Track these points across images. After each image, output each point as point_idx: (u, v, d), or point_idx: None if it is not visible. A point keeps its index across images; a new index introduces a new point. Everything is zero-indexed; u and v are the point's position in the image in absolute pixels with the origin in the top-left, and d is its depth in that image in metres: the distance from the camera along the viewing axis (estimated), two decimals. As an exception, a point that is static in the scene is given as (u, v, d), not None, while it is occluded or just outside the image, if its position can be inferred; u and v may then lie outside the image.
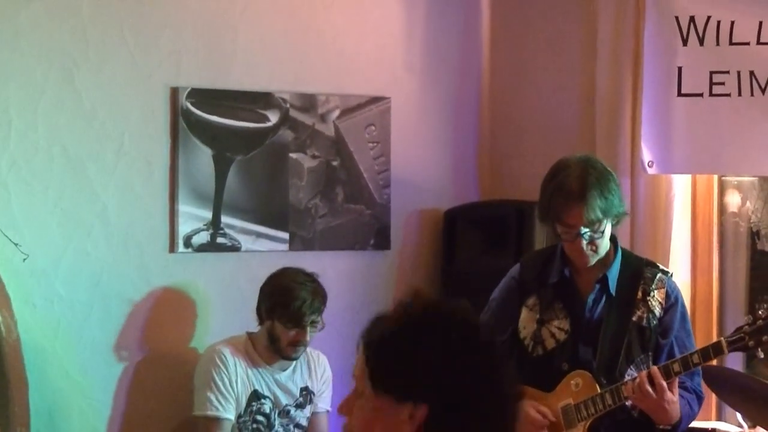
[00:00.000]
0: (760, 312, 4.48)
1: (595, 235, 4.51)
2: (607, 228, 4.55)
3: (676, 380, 4.37)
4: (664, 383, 4.32)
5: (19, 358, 5.08)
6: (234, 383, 5.36)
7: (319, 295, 5.36)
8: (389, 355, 2.45)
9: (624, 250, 4.71)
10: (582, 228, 4.47)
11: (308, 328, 5.32)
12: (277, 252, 5.72)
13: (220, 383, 5.33)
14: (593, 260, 4.55)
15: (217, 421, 5.32)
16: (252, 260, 5.65)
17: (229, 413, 5.34)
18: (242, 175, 5.73)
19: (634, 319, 4.56)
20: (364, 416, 2.47)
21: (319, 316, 5.35)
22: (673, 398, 4.36)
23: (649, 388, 4.31)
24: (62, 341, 5.30)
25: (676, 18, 5.78)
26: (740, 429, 5.67)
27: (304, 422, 5.50)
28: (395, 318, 2.50)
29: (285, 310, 5.30)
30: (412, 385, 2.41)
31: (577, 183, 4.49)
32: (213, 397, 5.32)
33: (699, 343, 4.83)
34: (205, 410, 5.33)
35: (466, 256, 6.07)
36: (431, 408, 2.39)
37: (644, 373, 4.36)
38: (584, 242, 4.51)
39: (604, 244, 4.56)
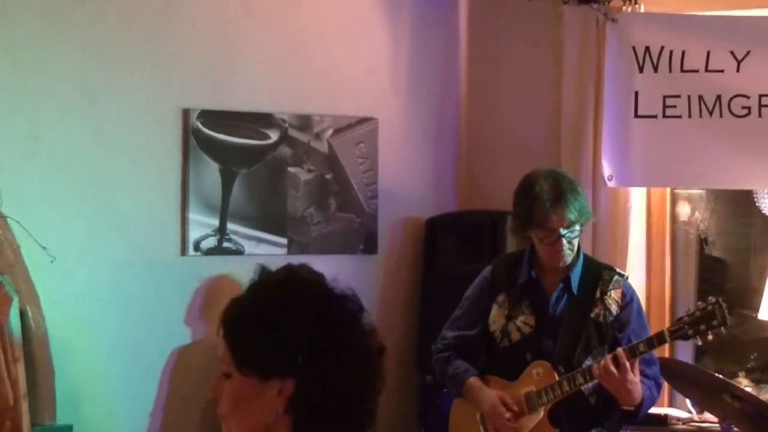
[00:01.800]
0: (698, 305, 4.53)
1: (572, 235, 4.53)
2: (579, 229, 4.57)
3: (636, 363, 4.37)
4: (627, 363, 4.31)
5: (46, 349, 5.08)
6: None
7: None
8: (244, 334, 2.27)
9: (585, 255, 4.71)
10: (562, 230, 4.50)
11: None
12: (277, 255, 5.67)
13: None
14: (569, 259, 4.57)
15: None
16: (254, 263, 5.58)
17: None
18: (246, 187, 5.71)
19: (592, 315, 4.57)
20: (232, 398, 2.29)
21: None
22: (635, 379, 4.35)
23: (614, 369, 4.31)
24: (85, 335, 5.27)
25: (633, 48, 5.84)
26: (689, 414, 5.68)
27: None
28: (245, 297, 2.33)
29: None
30: (273, 361, 2.23)
31: (553, 191, 4.50)
32: None
33: (653, 336, 4.86)
34: None
35: (445, 260, 6.07)
36: (297, 379, 2.22)
37: (610, 355, 4.35)
38: (564, 243, 4.53)
39: (577, 244, 4.59)
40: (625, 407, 4.44)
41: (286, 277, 2.34)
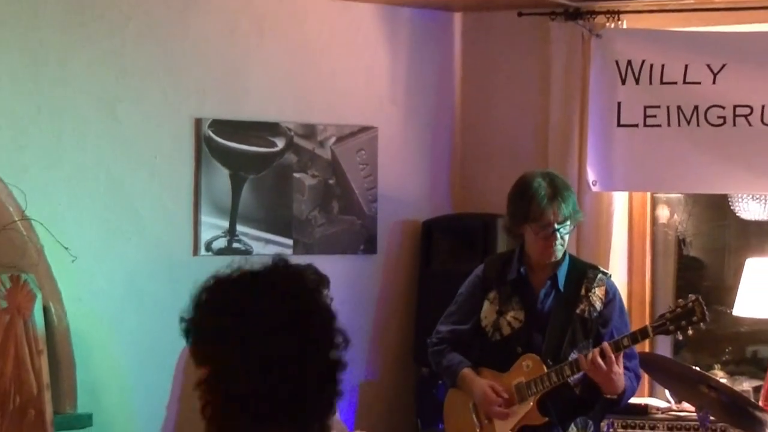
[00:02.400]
0: (679, 302, 4.52)
1: (565, 231, 4.53)
2: (570, 225, 4.58)
3: (621, 356, 4.36)
4: (613, 356, 4.32)
5: (67, 343, 5.10)
6: None
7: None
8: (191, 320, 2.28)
9: (571, 255, 4.71)
10: (556, 225, 4.49)
11: None
12: (284, 255, 5.76)
13: None
14: (560, 254, 4.56)
15: None
16: (262, 262, 5.66)
17: None
18: (254, 191, 5.71)
19: (577, 311, 4.56)
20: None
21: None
22: (619, 371, 4.35)
23: (601, 361, 4.31)
24: (104, 329, 5.28)
25: (616, 62, 5.81)
26: (668, 404, 5.67)
27: None
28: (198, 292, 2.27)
29: None
30: (199, 347, 2.25)
31: (550, 188, 4.50)
32: None
33: (634, 331, 4.81)
34: None
35: (441, 260, 6.06)
36: (211, 370, 2.21)
37: (596, 349, 4.35)
38: (558, 238, 4.51)
39: (567, 240, 4.59)
40: (609, 396, 4.44)
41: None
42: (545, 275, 4.62)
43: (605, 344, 4.37)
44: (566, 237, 4.56)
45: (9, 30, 5.03)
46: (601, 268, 4.77)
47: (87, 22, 5.22)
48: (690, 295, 4.53)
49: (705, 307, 4.45)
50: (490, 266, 4.77)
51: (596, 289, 4.61)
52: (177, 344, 5.41)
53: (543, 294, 4.62)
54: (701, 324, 4.44)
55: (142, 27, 5.39)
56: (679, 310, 4.46)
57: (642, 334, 4.46)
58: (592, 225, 5.92)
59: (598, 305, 4.59)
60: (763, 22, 5.72)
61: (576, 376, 4.51)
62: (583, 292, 4.59)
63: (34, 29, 5.09)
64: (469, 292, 4.73)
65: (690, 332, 4.49)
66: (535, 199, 4.49)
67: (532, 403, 4.52)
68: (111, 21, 5.29)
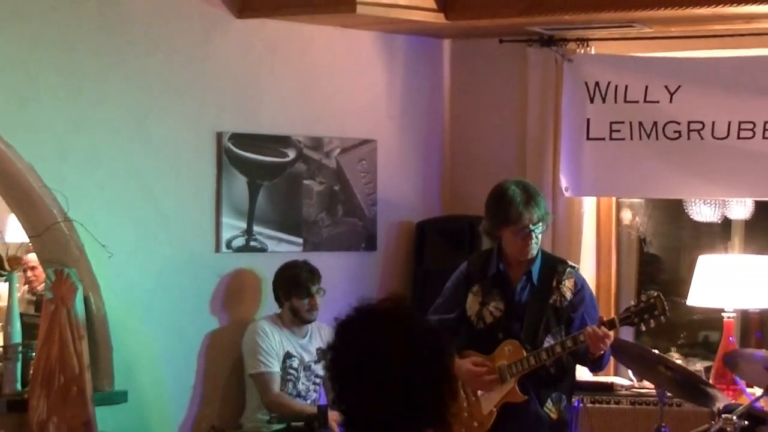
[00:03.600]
0: (642, 298, 4.53)
1: (538, 231, 4.51)
2: (542, 225, 4.55)
3: (611, 335, 4.41)
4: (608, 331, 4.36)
5: (105, 328, 5.14)
6: (274, 346, 5.36)
7: (314, 271, 5.39)
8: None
9: (544, 252, 4.68)
10: (531, 226, 4.48)
11: (316, 295, 5.38)
12: (294, 252, 5.66)
13: (265, 347, 5.33)
14: (535, 251, 4.54)
15: (270, 374, 5.32)
16: (275, 258, 5.56)
17: (276, 368, 5.34)
18: (268, 196, 5.69)
19: (550, 301, 4.55)
20: None
21: (319, 284, 5.38)
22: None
23: (601, 333, 4.31)
24: (136, 317, 5.27)
25: (586, 83, 5.82)
26: (631, 382, 5.65)
27: (321, 373, 5.46)
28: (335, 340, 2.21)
29: (297, 287, 5.35)
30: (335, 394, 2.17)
31: (524, 194, 4.48)
32: (263, 359, 5.32)
33: (602, 318, 4.77)
34: (260, 368, 5.32)
35: (432, 257, 6.04)
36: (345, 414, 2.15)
37: (594, 326, 4.36)
38: (533, 237, 4.50)
39: (540, 238, 4.56)
40: (597, 355, 4.44)
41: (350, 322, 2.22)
42: (521, 270, 4.60)
43: (600, 325, 4.39)
44: (540, 236, 4.56)
45: (51, 54, 5.00)
46: (570, 262, 4.75)
47: (120, 47, 5.20)
48: (652, 292, 4.52)
49: (665, 303, 4.45)
50: (472, 263, 4.75)
51: (566, 281, 4.60)
52: (200, 330, 5.49)
53: (520, 287, 4.61)
54: (662, 318, 4.45)
55: (169, 52, 5.36)
56: (642, 304, 4.47)
57: (610, 325, 4.45)
58: (565, 226, 5.93)
59: (569, 295, 4.58)
60: (713, 49, 5.72)
61: (551, 360, 4.50)
62: (554, 284, 4.59)
63: (73, 53, 5.07)
64: (455, 285, 4.71)
65: (652, 324, 4.50)
66: (513, 205, 4.48)
67: (513, 383, 4.51)
68: (141, 46, 5.27)
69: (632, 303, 4.62)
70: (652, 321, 4.47)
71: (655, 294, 4.49)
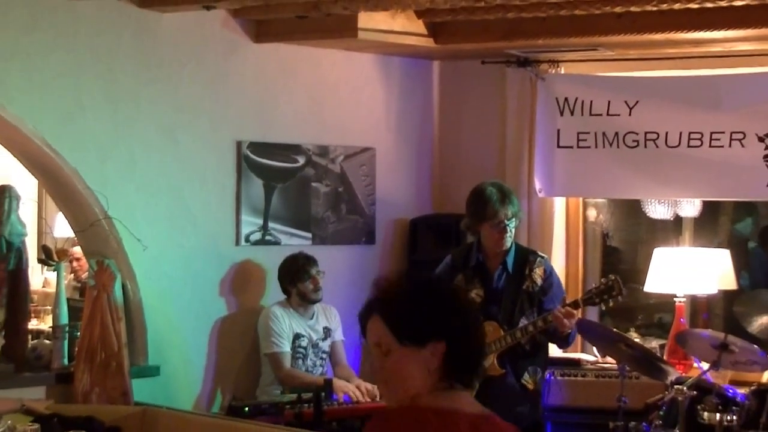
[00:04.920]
0: (602, 280, 4.57)
1: (512, 225, 4.54)
2: (515, 221, 4.57)
3: (577, 314, 4.46)
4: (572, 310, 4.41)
5: (140, 311, 5.15)
6: (285, 328, 5.32)
7: (311, 257, 5.36)
8: (407, 313, 2.12)
9: (517, 244, 4.71)
10: (506, 221, 4.52)
11: (317, 276, 5.34)
12: (304, 245, 5.63)
13: (277, 330, 5.30)
14: (509, 243, 4.55)
15: (281, 354, 5.29)
16: (287, 251, 5.53)
17: (286, 347, 5.31)
18: (281, 197, 5.68)
19: (523, 287, 4.60)
20: (397, 366, 2.13)
21: (317, 266, 5.34)
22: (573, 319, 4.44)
23: (567, 313, 4.37)
24: (167, 302, 5.27)
25: (556, 99, 5.83)
26: (595, 358, 5.66)
27: (327, 349, 5.45)
28: (397, 290, 2.18)
29: (299, 273, 5.33)
30: (429, 330, 2.11)
31: (499, 194, 4.53)
32: (275, 340, 5.29)
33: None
34: (273, 349, 5.29)
35: (424, 249, 6.02)
36: (447, 342, 2.11)
37: (560, 307, 4.40)
38: (508, 231, 4.53)
39: (514, 232, 4.58)
40: (566, 332, 4.48)
41: (424, 277, 2.26)
42: (498, 261, 4.64)
43: (565, 306, 4.43)
44: (513, 230, 4.58)
45: (94, 75, 5.01)
46: (540, 253, 4.77)
47: (152, 68, 5.20)
48: (610, 275, 4.55)
49: (622, 284, 4.47)
50: (455, 256, 4.76)
51: (537, 269, 4.63)
52: (220, 313, 5.47)
53: (497, 275, 4.64)
54: (619, 297, 4.48)
55: (194, 71, 5.36)
56: (602, 286, 4.49)
57: (574, 305, 4.49)
58: (539, 222, 5.93)
59: (539, 281, 4.61)
60: (666, 69, 5.74)
61: (525, 338, 4.51)
62: (527, 272, 4.61)
63: (113, 74, 5.08)
64: (442, 275, 4.62)
65: (611, 304, 4.52)
66: (489, 203, 4.51)
67: (492, 359, 4.53)
68: (170, 67, 5.26)
69: (593, 285, 4.63)
70: (611, 301, 4.49)
71: (613, 277, 4.51)
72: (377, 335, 2.15)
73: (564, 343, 4.64)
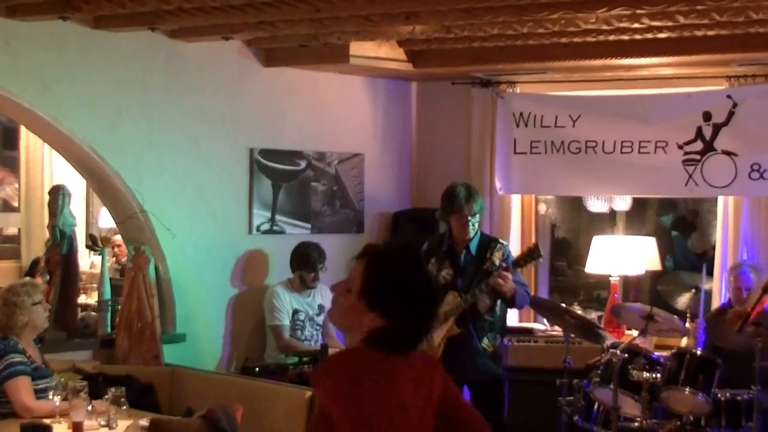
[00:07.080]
0: (527, 247, 4.61)
1: (475, 220, 4.50)
2: (479, 216, 4.54)
3: (509, 274, 4.36)
4: (507, 273, 4.34)
5: (170, 289, 5.16)
6: (285, 305, 5.29)
7: (322, 254, 5.34)
8: (380, 278, 2.05)
9: (482, 233, 4.67)
10: (469, 217, 4.48)
11: (320, 272, 5.35)
12: (304, 234, 5.63)
13: (278, 306, 5.27)
14: (472, 234, 4.52)
15: (282, 326, 5.26)
16: (291, 238, 5.51)
17: (286, 321, 5.28)
18: (287, 194, 5.64)
19: (484, 267, 4.55)
20: (344, 307, 2.08)
21: (324, 263, 5.34)
22: (510, 283, 4.34)
23: (502, 277, 4.31)
24: (192, 281, 5.25)
25: (513, 113, 5.81)
26: (545, 327, 5.67)
27: (320, 323, 5.40)
28: (391, 256, 2.10)
29: (307, 264, 5.31)
30: (383, 304, 2.03)
31: (466, 193, 4.48)
32: (277, 314, 5.27)
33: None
34: (275, 321, 5.27)
35: (405, 238, 5.85)
36: (387, 322, 2.03)
37: (497, 273, 4.32)
38: (470, 225, 4.49)
39: (477, 225, 4.56)
40: (509, 296, 4.40)
41: (405, 251, 2.15)
42: (463, 246, 4.62)
43: (502, 270, 4.39)
44: (476, 224, 4.55)
45: (131, 92, 4.99)
46: (500, 240, 4.74)
47: (180, 87, 5.17)
48: (532, 242, 4.54)
49: (540, 249, 4.42)
50: (431, 243, 4.75)
51: (496, 252, 4.59)
52: (235, 290, 5.40)
53: (463, 258, 4.62)
54: (540, 259, 4.43)
55: (215, 89, 5.33)
56: (527, 251, 4.48)
57: (505, 269, 4.40)
58: (499, 215, 5.96)
59: (497, 262, 4.57)
60: (603, 89, 5.75)
61: (484, 306, 4.46)
62: (488, 255, 4.58)
63: (148, 91, 5.06)
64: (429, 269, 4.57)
65: (533, 264, 4.55)
66: (457, 200, 4.50)
67: (452, 321, 4.49)
68: (195, 84, 5.24)
69: (519, 253, 4.63)
70: (532, 262, 4.46)
71: (533, 244, 4.52)
72: (355, 273, 2.07)
73: (512, 304, 4.54)
